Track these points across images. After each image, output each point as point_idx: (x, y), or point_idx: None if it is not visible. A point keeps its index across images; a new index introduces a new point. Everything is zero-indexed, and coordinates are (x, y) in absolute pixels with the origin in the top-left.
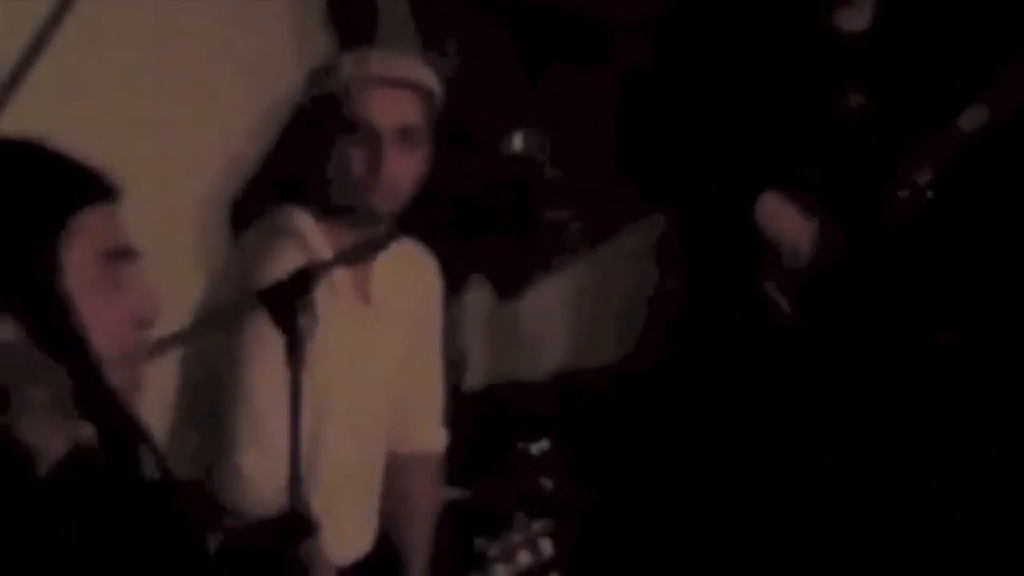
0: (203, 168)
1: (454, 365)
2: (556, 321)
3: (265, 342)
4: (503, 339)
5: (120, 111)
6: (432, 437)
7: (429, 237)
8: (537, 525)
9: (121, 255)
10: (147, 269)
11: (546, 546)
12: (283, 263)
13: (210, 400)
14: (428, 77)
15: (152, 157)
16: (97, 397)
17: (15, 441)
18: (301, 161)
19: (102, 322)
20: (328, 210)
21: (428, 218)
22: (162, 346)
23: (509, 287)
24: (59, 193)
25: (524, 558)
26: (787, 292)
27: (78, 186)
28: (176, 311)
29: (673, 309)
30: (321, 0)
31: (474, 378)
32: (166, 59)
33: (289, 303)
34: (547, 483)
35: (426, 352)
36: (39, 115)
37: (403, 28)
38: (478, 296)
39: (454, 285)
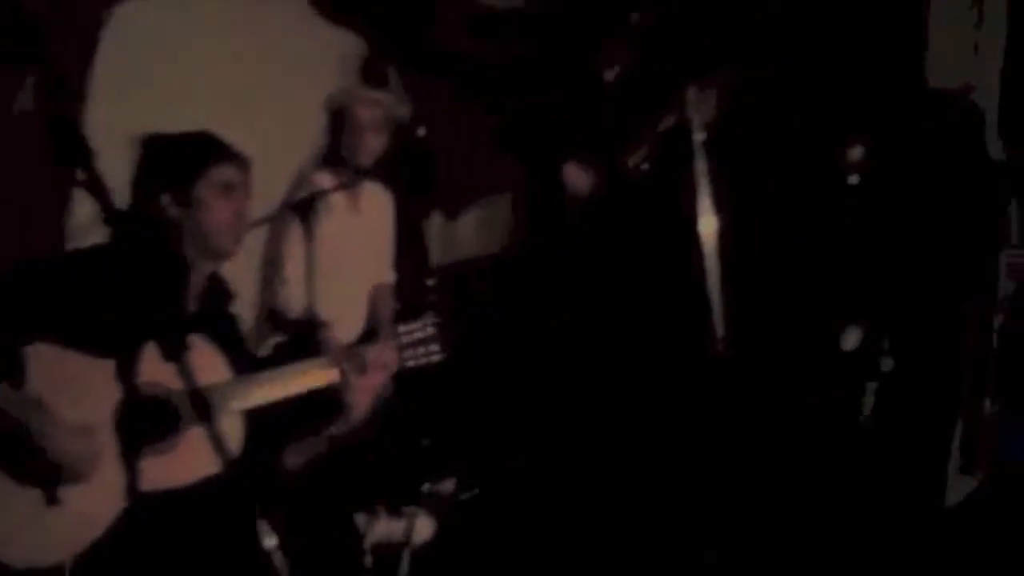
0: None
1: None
2: (469, 229)
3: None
4: (447, 239)
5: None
6: (389, 275)
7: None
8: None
9: (231, 186)
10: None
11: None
12: (304, 191)
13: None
14: (392, 103)
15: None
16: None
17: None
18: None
19: (220, 214)
20: (339, 163)
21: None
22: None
23: (450, 215)
24: (198, 155)
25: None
26: (582, 205)
27: (210, 152)
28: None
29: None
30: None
31: (432, 258)
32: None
33: (305, 210)
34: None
35: (386, 240)
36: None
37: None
38: (437, 217)
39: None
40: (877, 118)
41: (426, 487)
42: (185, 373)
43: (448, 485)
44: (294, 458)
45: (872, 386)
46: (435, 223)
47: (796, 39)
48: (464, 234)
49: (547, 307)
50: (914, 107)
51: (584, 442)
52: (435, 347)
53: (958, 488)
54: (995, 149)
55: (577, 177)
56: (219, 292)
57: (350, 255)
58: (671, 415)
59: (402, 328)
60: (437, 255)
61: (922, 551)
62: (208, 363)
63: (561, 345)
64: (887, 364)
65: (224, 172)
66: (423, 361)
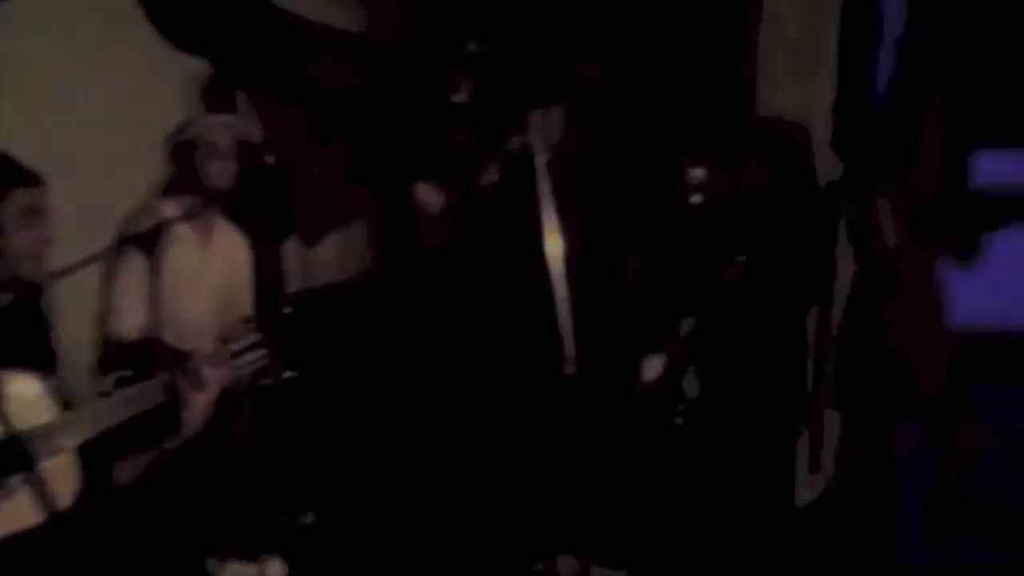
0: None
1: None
2: (329, 253)
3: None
4: (305, 266)
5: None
6: (245, 311)
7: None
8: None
9: (32, 211)
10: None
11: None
12: (145, 223)
13: None
14: (241, 127)
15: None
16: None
17: None
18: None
19: (22, 240)
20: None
21: None
22: (93, 258)
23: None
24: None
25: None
26: (435, 229)
27: (9, 177)
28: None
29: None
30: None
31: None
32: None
33: (147, 242)
34: None
35: (240, 276)
36: None
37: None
38: (294, 245)
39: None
40: (714, 140)
41: (284, 520)
42: (3, 418)
43: (304, 520)
44: (126, 472)
45: (678, 408)
46: (291, 250)
47: (636, 62)
48: (322, 259)
49: (404, 327)
50: (748, 129)
51: (438, 461)
52: (263, 351)
53: (808, 488)
54: (831, 167)
55: (428, 197)
56: (32, 321)
57: (201, 290)
58: (522, 434)
59: (230, 337)
60: (295, 282)
61: (775, 552)
62: (30, 402)
63: (418, 364)
64: (692, 389)
65: (24, 197)
66: (256, 366)
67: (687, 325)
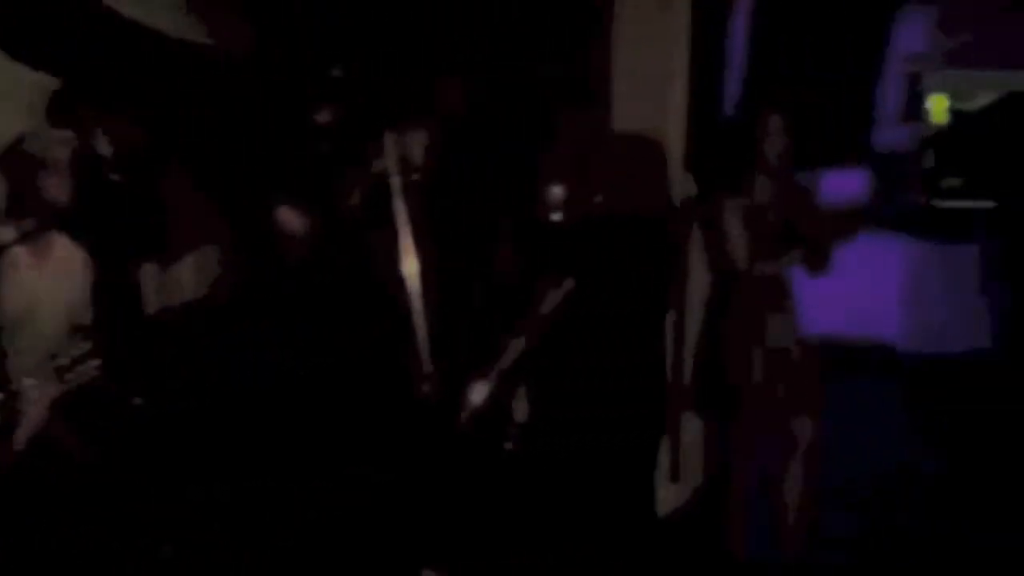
0: None
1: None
2: (188, 274)
3: None
4: (162, 287)
5: None
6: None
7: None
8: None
9: None
10: None
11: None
12: None
13: None
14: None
15: None
16: None
17: None
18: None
19: None
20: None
21: None
22: None
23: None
24: None
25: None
26: (296, 249)
27: None
28: None
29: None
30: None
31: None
32: None
33: None
34: None
35: (80, 293)
36: None
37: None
38: (151, 266)
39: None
40: (571, 159)
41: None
42: None
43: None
44: None
45: (508, 432)
46: (149, 271)
47: (492, 85)
48: (182, 280)
49: (262, 348)
50: (603, 147)
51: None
52: (94, 363)
53: (672, 497)
54: (684, 183)
55: (290, 219)
56: None
57: (40, 313)
58: (380, 452)
59: (57, 352)
60: (152, 303)
61: (637, 562)
62: None
63: (277, 385)
64: (521, 413)
65: None
66: (86, 378)
67: (516, 346)
